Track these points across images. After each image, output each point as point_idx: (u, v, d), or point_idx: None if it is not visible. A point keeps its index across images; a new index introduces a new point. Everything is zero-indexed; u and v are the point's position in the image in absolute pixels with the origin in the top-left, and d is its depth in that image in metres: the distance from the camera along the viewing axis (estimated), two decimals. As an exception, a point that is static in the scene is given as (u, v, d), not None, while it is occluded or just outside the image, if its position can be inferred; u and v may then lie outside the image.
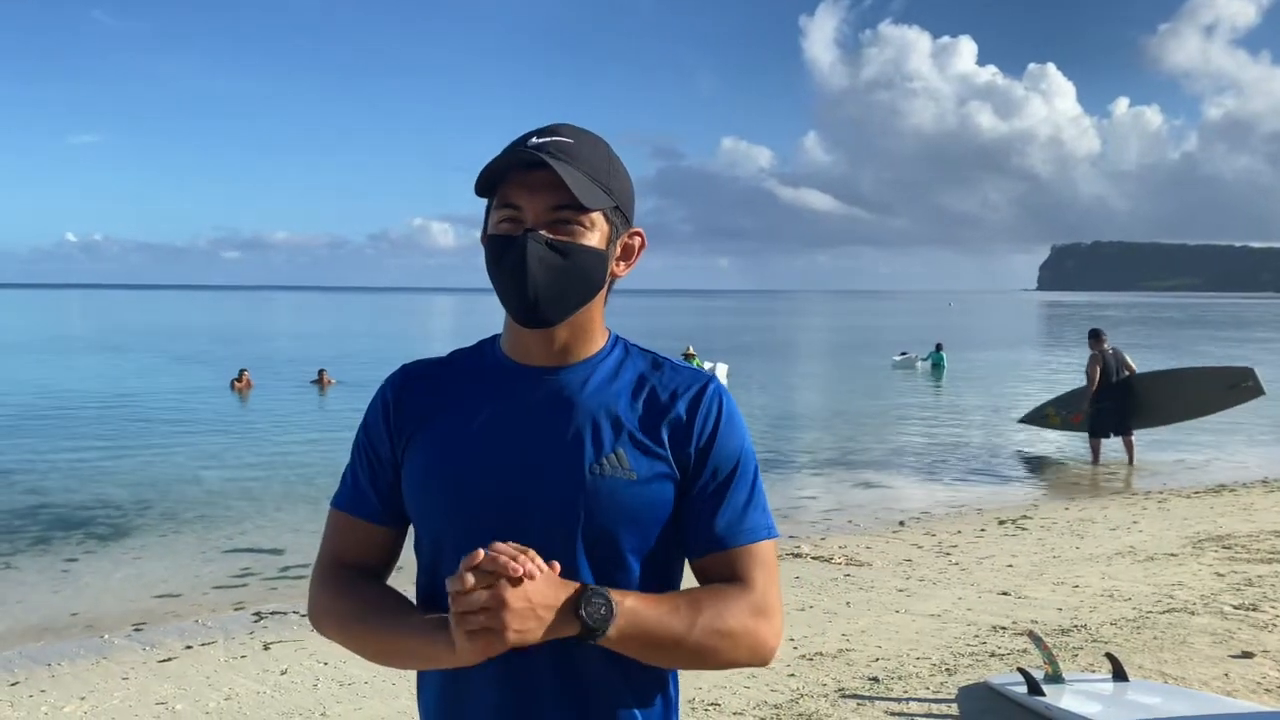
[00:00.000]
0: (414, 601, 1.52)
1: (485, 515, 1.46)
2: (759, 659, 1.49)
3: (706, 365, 24.31)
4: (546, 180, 1.42)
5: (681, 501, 1.50)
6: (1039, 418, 16.20)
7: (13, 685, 5.63)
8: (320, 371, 24.77)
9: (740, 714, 4.83)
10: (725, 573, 1.50)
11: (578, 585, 1.38)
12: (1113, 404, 14.12)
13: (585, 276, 1.48)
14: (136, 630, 6.86)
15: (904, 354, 32.76)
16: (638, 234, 1.59)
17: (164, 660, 5.96)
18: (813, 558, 8.49)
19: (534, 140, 1.46)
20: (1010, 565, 8.10)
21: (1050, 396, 16.55)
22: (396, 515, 1.58)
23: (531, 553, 1.34)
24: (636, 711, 1.50)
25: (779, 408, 21.91)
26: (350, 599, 1.53)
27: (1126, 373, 14.28)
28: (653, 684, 1.52)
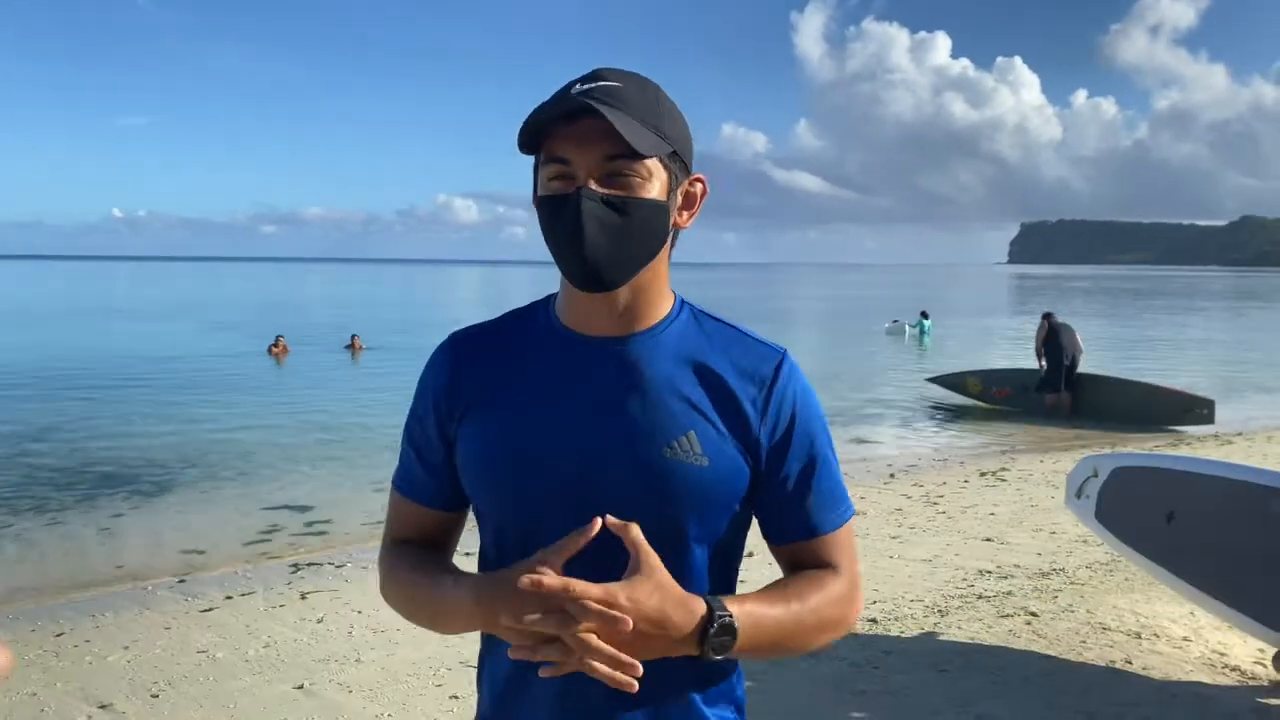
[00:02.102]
0: (457, 569, 1.34)
1: (549, 500, 1.27)
2: (844, 635, 1.37)
3: None
4: (596, 129, 1.20)
5: (760, 487, 1.31)
6: (956, 383, 16.27)
7: (58, 636, 5.52)
8: (353, 337, 24.66)
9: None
10: (814, 559, 1.35)
11: (701, 611, 1.18)
12: (1065, 371, 14.34)
13: (647, 232, 1.25)
14: (179, 581, 6.76)
15: (895, 321, 32.65)
16: (699, 180, 1.34)
17: (205, 610, 5.86)
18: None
19: (578, 88, 1.24)
20: (992, 514, 8.04)
21: (1008, 365, 16.60)
22: (450, 499, 1.39)
23: (644, 578, 1.15)
24: (705, 706, 1.32)
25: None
26: (401, 568, 1.37)
27: (1076, 350, 14.43)
28: (720, 670, 1.34)
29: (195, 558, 7.51)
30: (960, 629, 5.05)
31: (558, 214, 1.23)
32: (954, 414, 15.13)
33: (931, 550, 6.83)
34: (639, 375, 1.29)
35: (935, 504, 8.54)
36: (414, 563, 1.36)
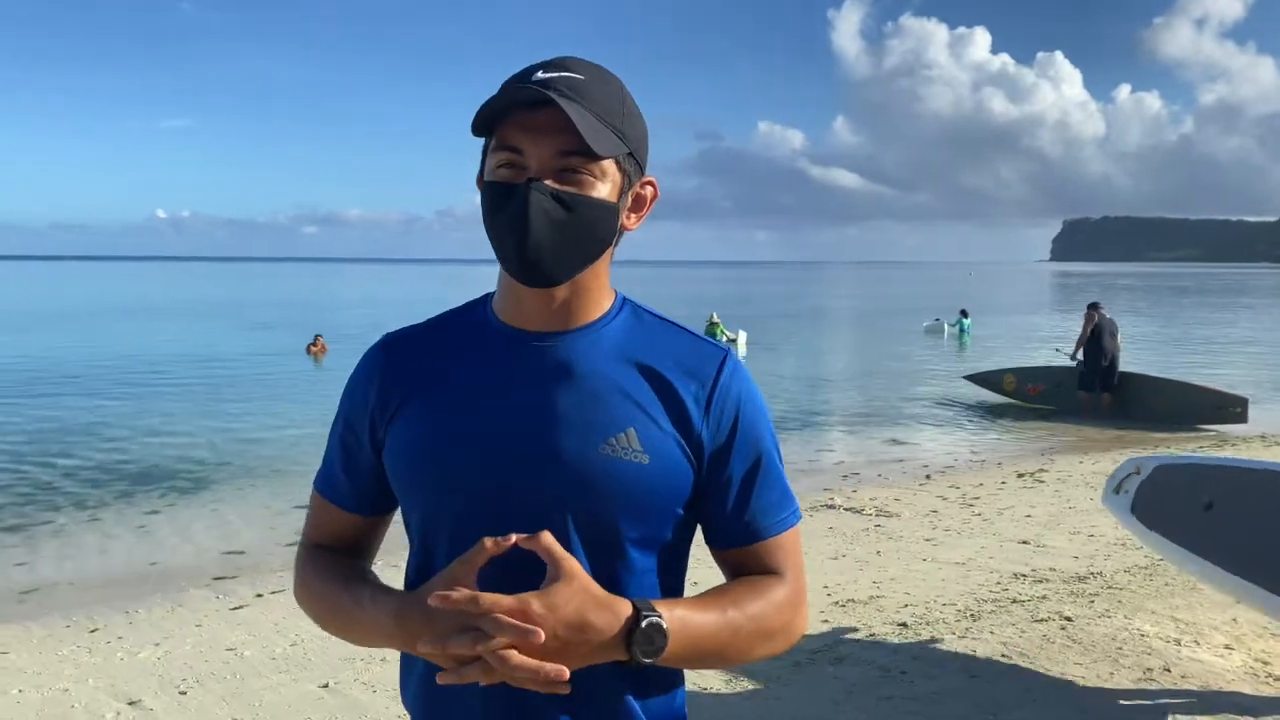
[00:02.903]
0: (376, 579, 1.30)
1: (476, 501, 1.22)
2: (791, 646, 1.31)
3: (728, 335, 24.14)
4: (553, 122, 1.15)
5: (702, 489, 1.26)
6: (993, 381, 16.13)
7: (92, 632, 5.58)
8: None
9: (776, 658, 4.68)
10: (758, 565, 1.30)
11: (627, 613, 1.13)
12: (1102, 373, 14.17)
13: (593, 232, 1.21)
14: (211, 579, 6.81)
15: (936, 320, 32.35)
16: (650, 183, 1.30)
17: (235, 608, 5.90)
18: (845, 509, 8.34)
19: (539, 75, 1.19)
20: (1029, 515, 7.92)
21: (1041, 364, 16.42)
22: (372, 503, 1.34)
23: (565, 582, 1.10)
24: (641, 712, 1.26)
25: (814, 369, 21.71)
26: (318, 575, 1.32)
27: (1116, 351, 14.29)
28: (659, 676, 1.28)
29: (228, 554, 7.57)
30: (993, 634, 4.96)
31: (503, 203, 1.19)
32: (993, 414, 14.94)
33: (966, 553, 6.74)
34: (576, 371, 1.24)
35: (971, 505, 8.43)
36: (331, 570, 1.32)
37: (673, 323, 1.32)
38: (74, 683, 4.73)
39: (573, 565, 1.13)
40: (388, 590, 1.23)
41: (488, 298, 1.34)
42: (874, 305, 56.13)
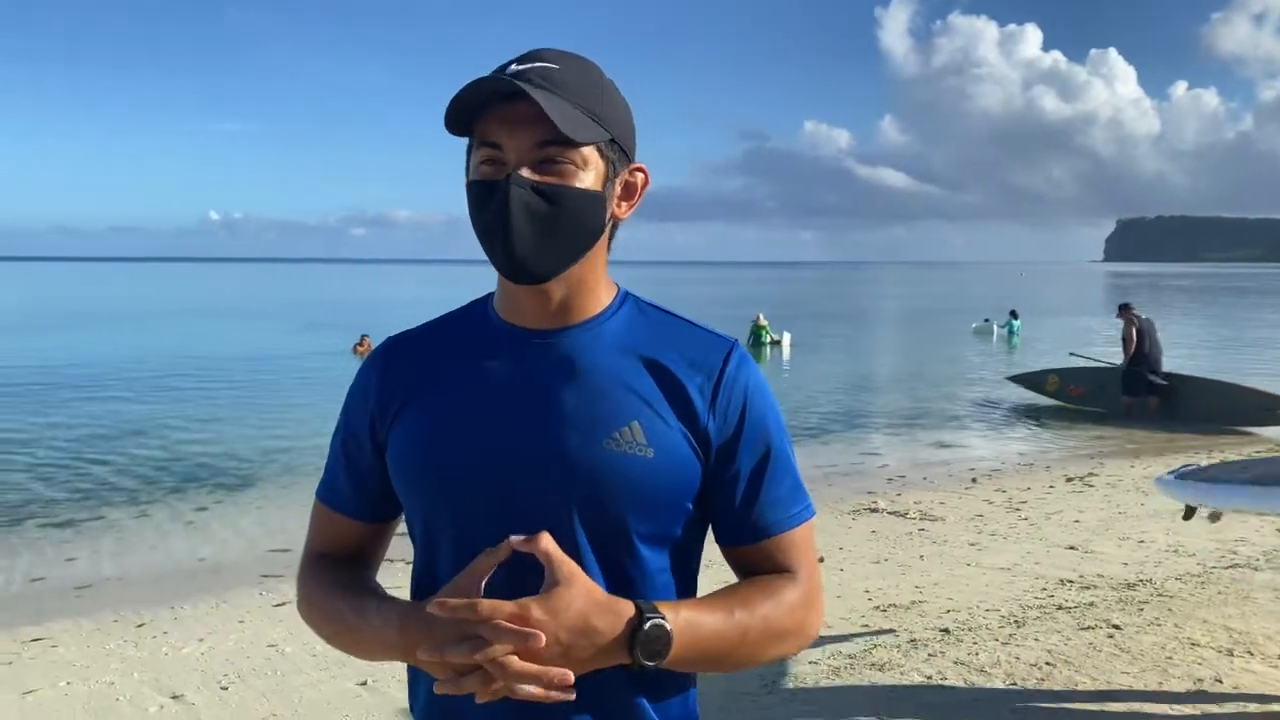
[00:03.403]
0: (381, 589, 1.27)
1: (478, 502, 1.20)
2: (804, 647, 1.27)
3: (773, 336, 24.00)
4: (529, 113, 1.12)
5: (710, 484, 1.23)
6: (1036, 381, 15.93)
7: (139, 626, 5.69)
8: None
9: (815, 663, 4.64)
10: (768, 562, 1.26)
11: (629, 614, 1.10)
12: (1147, 376, 13.98)
13: (579, 223, 1.18)
14: (256, 576, 6.90)
15: (985, 320, 31.95)
16: (640, 170, 1.27)
17: (278, 605, 5.97)
18: (888, 512, 8.26)
19: (513, 67, 1.17)
20: (1077, 521, 7.78)
21: (1098, 364, 16.16)
22: (374, 510, 1.33)
23: (565, 587, 1.08)
24: (649, 705, 1.23)
25: (859, 370, 21.53)
26: (321, 588, 1.29)
27: (1159, 353, 14.15)
28: (672, 677, 1.24)
29: (273, 553, 7.66)
30: (1037, 641, 4.87)
31: (485, 201, 1.17)
32: (1042, 417, 14.71)
33: (1011, 558, 6.63)
34: (577, 367, 1.22)
35: (1017, 510, 8.30)
36: (335, 582, 1.29)
37: (677, 315, 1.30)
38: (119, 676, 4.82)
39: (572, 568, 1.11)
40: (392, 601, 1.21)
41: (489, 297, 1.32)
42: (921, 306, 55.57)
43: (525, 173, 1.15)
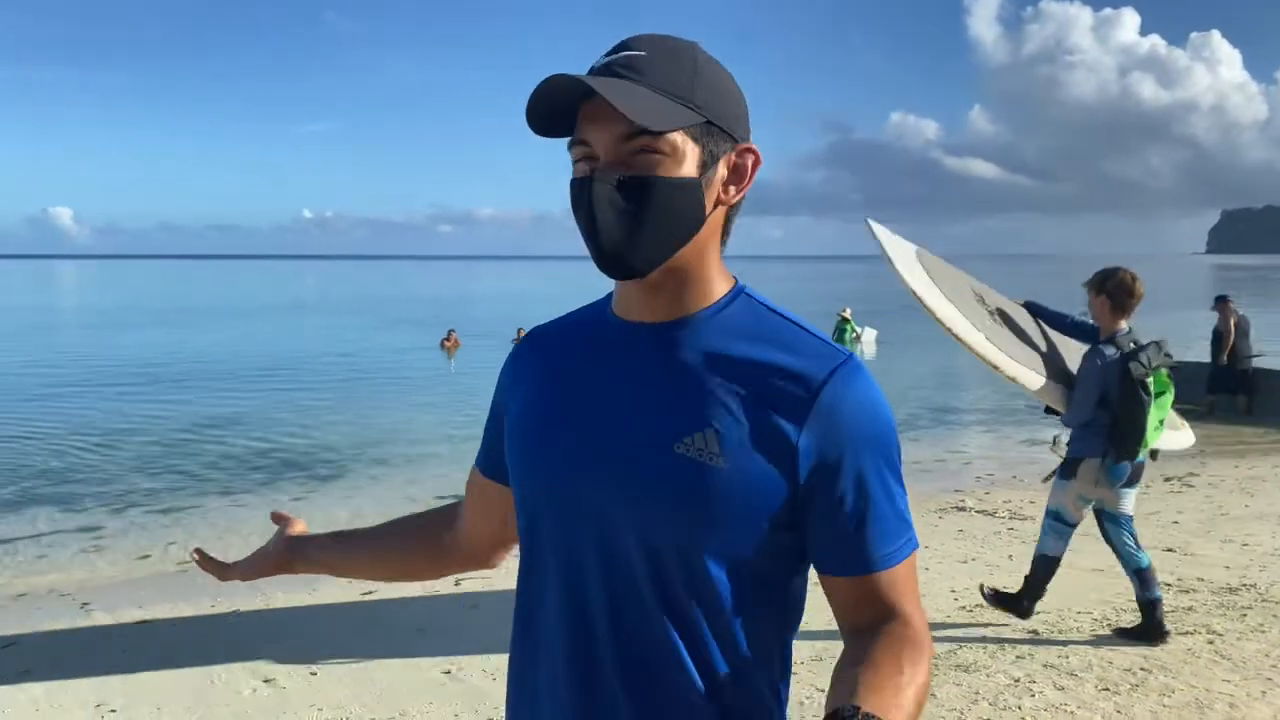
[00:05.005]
0: (394, 529, 1.56)
1: (543, 492, 1.22)
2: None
3: (857, 331, 23.64)
4: (610, 107, 1.08)
5: (801, 507, 1.14)
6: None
7: (234, 611, 5.86)
8: (519, 330, 25.24)
9: (896, 662, 4.57)
10: (867, 597, 1.16)
11: None
12: (1239, 374, 13.47)
13: (670, 213, 1.13)
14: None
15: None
16: (749, 151, 1.19)
17: (366, 593, 6.08)
18: (976, 511, 8.09)
19: (603, 60, 1.14)
20: (1176, 522, 7.52)
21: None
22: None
23: None
24: None
25: (946, 366, 21.10)
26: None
27: (1249, 351, 13.62)
28: (758, 712, 1.19)
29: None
30: (1131, 645, 4.72)
31: (576, 199, 1.15)
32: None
33: (1104, 560, 6.38)
34: (666, 364, 1.18)
35: (1112, 510, 8.05)
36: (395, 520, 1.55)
37: (791, 319, 1.21)
38: (216, 659, 4.97)
39: None
40: (320, 539, 1.53)
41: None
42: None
43: (612, 168, 1.12)
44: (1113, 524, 4.82)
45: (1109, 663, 4.51)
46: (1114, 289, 4.83)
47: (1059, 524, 4.88)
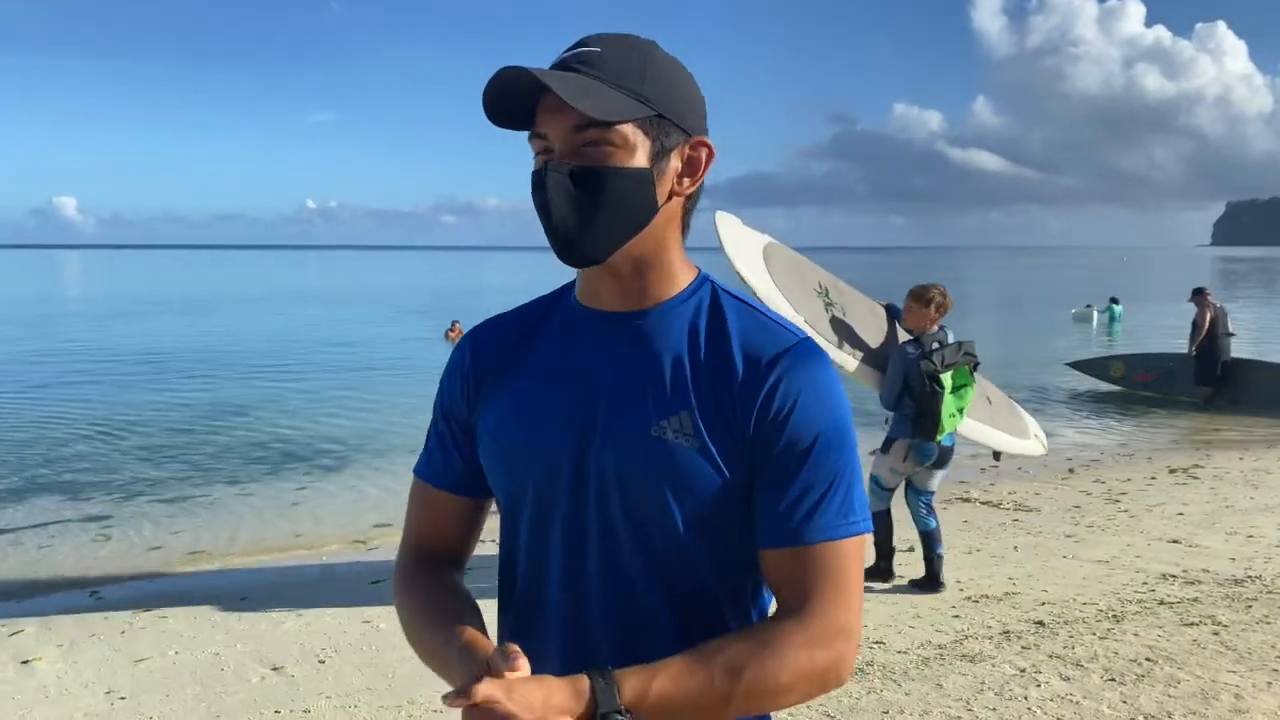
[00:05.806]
0: (470, 607, 1.29)
1: (528, 479, 1.25)
2: (831, 688, 1.18)
3: None
4: (561, 100, 1.13)
5: (754, 481, 1.20)
6: (1100, 368, 15.61)
7: (242, 600, 5.90)
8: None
9: (904, 652, 4.59)
10: (785, 574, 1.19)
11: (586, 695, 1.07)
12: (1216, 369, 13.73)
13: (621, 203, 1.17)
14: (351, 555, 7.10)
15: (1085, 306, 31.02)
16: (703, 144, 1.24)
17: (374, 582, 6.12)
18: (981, 502, 8.10)
19: (560, 57, 1.19)
20: (1181, 513, 7.52)
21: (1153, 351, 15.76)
22: (467, 484, 1.35)
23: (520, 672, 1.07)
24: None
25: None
26: (412, 600, 1.31)
27: (1229, 332, 13.87)
28: None
29: (368, 529, 7.87)
30: (1137, 636, 4.74)
31: (534, 189, 1.20)
32: (1145, 406, 14.23)
33: (1110, 551, 6.45)
34: (638, 351, 1.23)
35: (1117, 501, 8.06)
36: (427, 603, 1.29)
37: (753, 304, 1.27)
38: (224, 647, 5.01)
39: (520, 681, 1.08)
40: (470, 650, 1.19)
41: (574, 283, 1.34)
42: (1018, 292, 54.19)
43: (565, 159, 1.17)
44: (913, 494, 5.77)
45: (1114, 653, 4.52)
46: (923, 298, 5.62)
47: (876, 488, 5.74)
